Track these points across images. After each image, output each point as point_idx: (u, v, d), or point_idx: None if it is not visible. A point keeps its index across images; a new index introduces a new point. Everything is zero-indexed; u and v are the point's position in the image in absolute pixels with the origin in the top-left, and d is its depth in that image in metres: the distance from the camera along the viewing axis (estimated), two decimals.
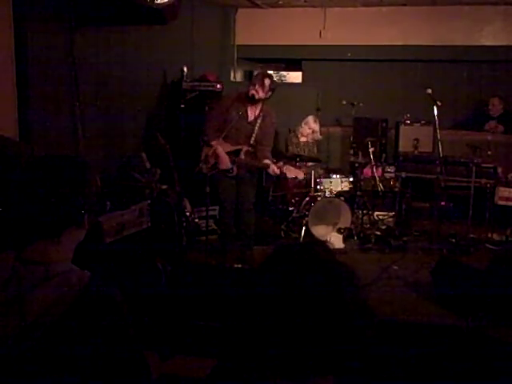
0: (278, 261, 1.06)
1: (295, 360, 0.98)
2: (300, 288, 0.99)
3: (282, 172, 4.93)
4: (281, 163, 5.25)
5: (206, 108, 6.13)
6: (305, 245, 1.13)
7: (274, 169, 4.84)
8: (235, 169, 4.89)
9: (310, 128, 6.44)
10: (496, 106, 7.10)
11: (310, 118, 6.47)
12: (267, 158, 4.91)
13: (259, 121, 4.87)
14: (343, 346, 0.99)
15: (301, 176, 5.31)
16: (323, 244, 1.14)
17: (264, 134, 4.91)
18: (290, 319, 0.98)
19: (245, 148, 4.89)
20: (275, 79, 5.41)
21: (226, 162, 4.84)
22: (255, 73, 5.01)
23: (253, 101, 4.78)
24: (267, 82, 4.76)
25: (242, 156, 4.91)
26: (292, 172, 5.13)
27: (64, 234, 1.43)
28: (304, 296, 0.98)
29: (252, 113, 4.88)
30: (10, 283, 1.35)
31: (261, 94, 4.76)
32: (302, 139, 6.47)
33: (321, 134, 6.67)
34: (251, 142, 4.89)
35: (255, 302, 1.03)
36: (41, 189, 1.40)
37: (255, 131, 4.86)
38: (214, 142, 4.78)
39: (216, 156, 4.84)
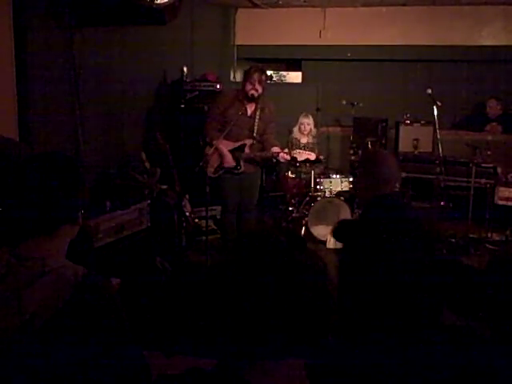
0: (241, 249, 1.07)
1: (267, 342, 0.99)
2: (262, 275, 1.00)
3: (292, 157, 4.92)
4: (287, 149, 5.23)
5: (206, 108, 6.13)
6: (268, 233, 1.14)
7: (283, 155, 4.79)
8: (243, 164, 4.89)
9: (303, 124, 6.46)
10: (493, 108, 7.08)
11: (302, 117, 6.49)
12: (275, 145, 4.90)
13: (258, 113, 4.87)
14: (311, 328, 1.00)
15: (312, 157, 5.29)
16: (291, 232, 1.14)
17: (266, 124, 4.91)
18: (257, 303, 0.99)
19: (248, 142, 4.89)
20: (271, 75, 5.35)
21: (229, 160, 4.85)
22: (247, 69, 4.93)
23: (252, 99, 4.79)
24: (264, 77, 4.78)
25: (248, 150, 4.90)
26: (303, 155, 5.10)
27: (58, 230, 1.44)
28: (265, 282, 0.99)
29: (250, 107, 4.88)
30: (6, 279, 1.35)
31: (260, 91, 4.78)
32: (303, 140, 6.47)
33: (320, 134, 6.71)
34: (254, 134, 4.89)
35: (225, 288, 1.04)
36: (36, 186, 1.41)
37: (256, 123, 4.86)
38: (215, 142, 4.79)
39: (219, 155, 4.84)
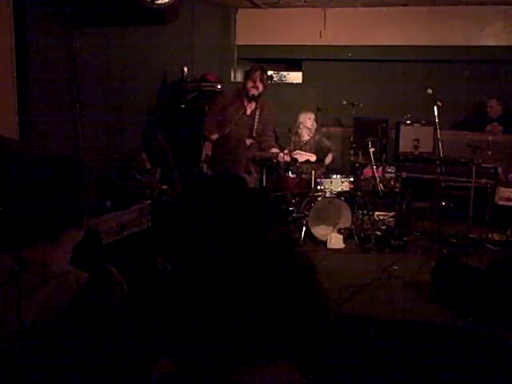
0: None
1: (254, 343, 0.98)
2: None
3: (292, 158, 4.95)
4: (287, 150, 5.24)
5: (206, 108, 6.13)
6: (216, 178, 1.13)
7: (283, 156, 4.84)
8: None
9: (308, 119, 6.44)
10: (494, 108, 7.09)
11: (302, 115, 6.45)
12: (273, 146, 4.93)
13: (258, 112, 4.90)
14: (299, 327, 0.99)
15: (313, 158, 5.30)
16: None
17: (265, 125, 4.94)
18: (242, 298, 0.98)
19: (248, 142, 4.90)
20: (272, 75, 5.39)
21: None
22: (250, 68, 4.99)
23: (253, 99, 4.81)
24: (265, 76, 4.83)
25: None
26: (303, 156, 5.12)
27: (62, 235, 1.42)
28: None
29: (250, 107, 4.91)
30: (8, 284, 1.34)
31: (260, 90, 4.80)
32: (305, 138, 6.46)
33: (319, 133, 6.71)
34: (253, 134, 4.91)
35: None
36: (40, 189, 1.39)
37: (255, 123, 4.89)
38: (213, 136, 4.83)
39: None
